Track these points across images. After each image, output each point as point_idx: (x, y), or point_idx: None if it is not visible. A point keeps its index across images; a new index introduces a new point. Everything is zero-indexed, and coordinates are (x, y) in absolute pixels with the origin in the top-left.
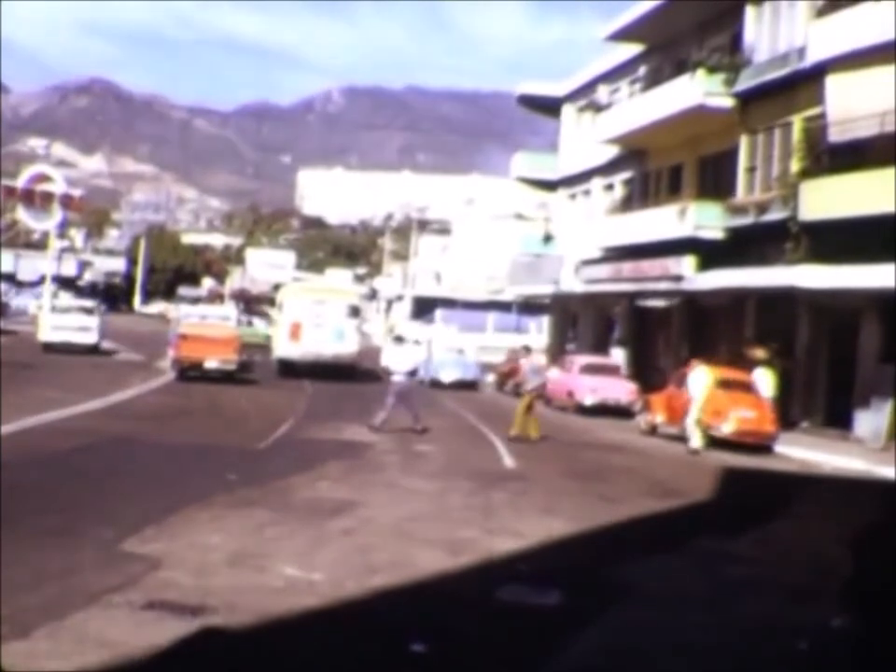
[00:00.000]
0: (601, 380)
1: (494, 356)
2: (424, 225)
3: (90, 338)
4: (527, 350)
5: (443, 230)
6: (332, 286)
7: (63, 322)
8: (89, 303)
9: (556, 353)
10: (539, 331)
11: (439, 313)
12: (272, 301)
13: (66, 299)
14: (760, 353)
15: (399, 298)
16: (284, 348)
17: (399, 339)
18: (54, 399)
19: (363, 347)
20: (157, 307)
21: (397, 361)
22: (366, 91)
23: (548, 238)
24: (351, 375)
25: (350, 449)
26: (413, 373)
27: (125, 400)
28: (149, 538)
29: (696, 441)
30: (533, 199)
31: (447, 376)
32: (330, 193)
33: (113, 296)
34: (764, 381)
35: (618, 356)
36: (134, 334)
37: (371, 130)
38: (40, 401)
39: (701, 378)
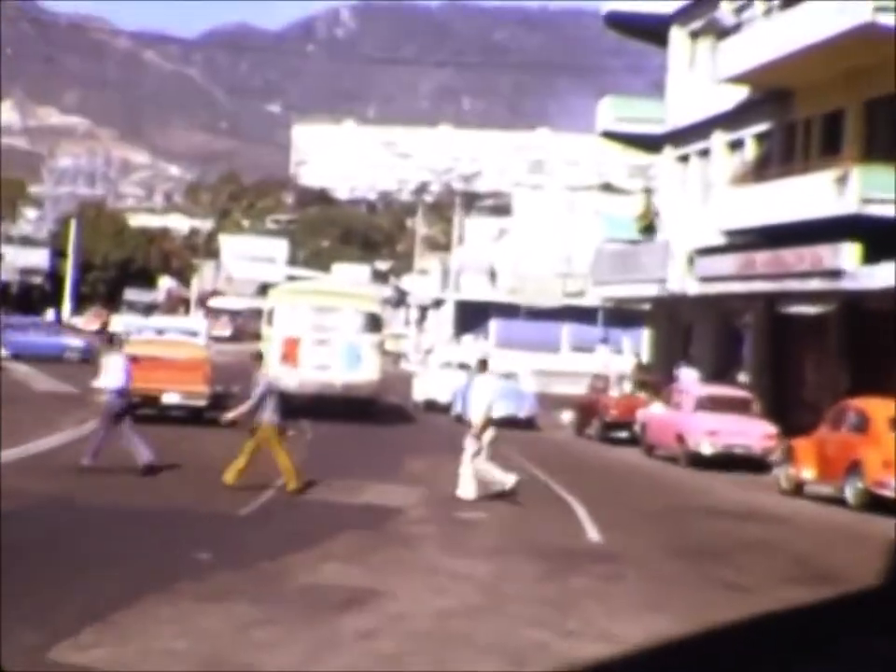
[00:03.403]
0: (725, 419)
1: (570, 384)
2: (472, 201)
3: None
4: (641, 366)
5: (499, 207)
6: (342, 287)
7: None
8: None
9: (661, 380)
10: (634, 349)
11: (493, 324)
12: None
13: None
14: None
15: (438, 303)
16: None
17: (112, 341)
18: None
19: (386, 374)
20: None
21: (105, 376)
22: (387, 10)
23: (649, 218)
24: (369, 413)
25: (368, 517)
26: (124, 392)
27: (55, 449)
28: (89, 642)
29: (467, 487)
30: (627, 163)
31: (494, 411)
32: (338, 156)
33: (31, 302)
34: None
35: (689, 376)
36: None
37: (396, 66)
38: None
39: (484, 387)
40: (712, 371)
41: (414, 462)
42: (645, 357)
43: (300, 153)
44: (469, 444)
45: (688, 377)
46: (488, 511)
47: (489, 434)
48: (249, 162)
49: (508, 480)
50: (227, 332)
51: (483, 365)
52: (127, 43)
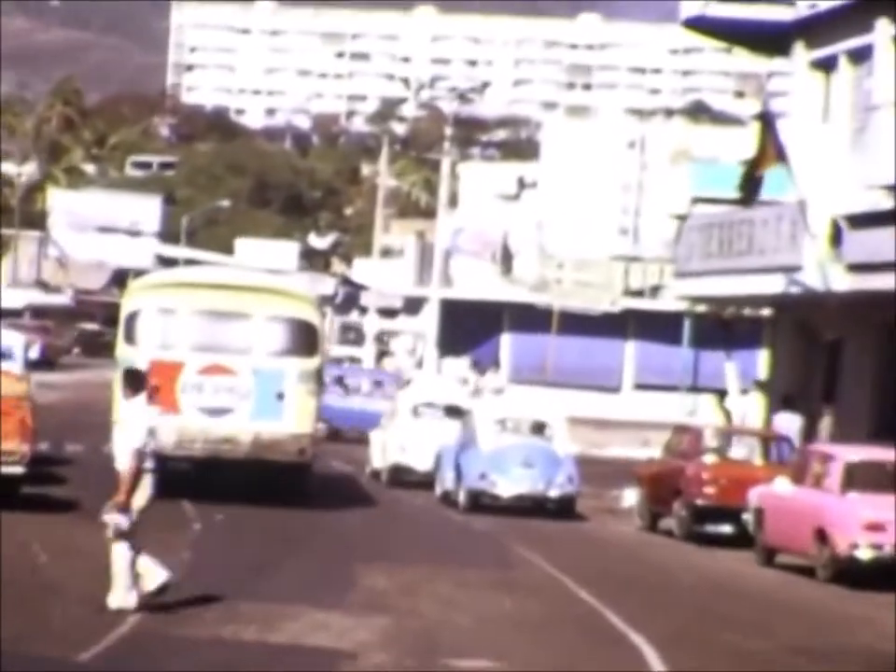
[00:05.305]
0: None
1: (636, 443)
2: (471, 133)
3: None
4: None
5: (518, 145)
6: (252, 278)
7: None
8: None
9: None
10: (742, 382)
11: (507, 341)
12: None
13: None
14: None
15: (414, 305)
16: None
17: None
18: None
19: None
20: None
21: None
22: None
23: (768, 164)
24: (297, 489)
25: (296, 665)
26: None
27: None
28: None
29: (122, 595)
30: (731, 70)
31: (508, 486)
32: (247, 57)
33: None
34: None
35: (789, 426)
36: None
37: None
38: None
39: (133, 419)
40: (874, 422)
41: (373, 574)
42: (757, 395)
43: (183, 52)
44: (111, 518)
45: (787, 427)
46: (496, 655)
47: (143, 494)
48: (99, 67)
49: (159, 576)
50: (34, 353)
51: (132, 380)
52: None
